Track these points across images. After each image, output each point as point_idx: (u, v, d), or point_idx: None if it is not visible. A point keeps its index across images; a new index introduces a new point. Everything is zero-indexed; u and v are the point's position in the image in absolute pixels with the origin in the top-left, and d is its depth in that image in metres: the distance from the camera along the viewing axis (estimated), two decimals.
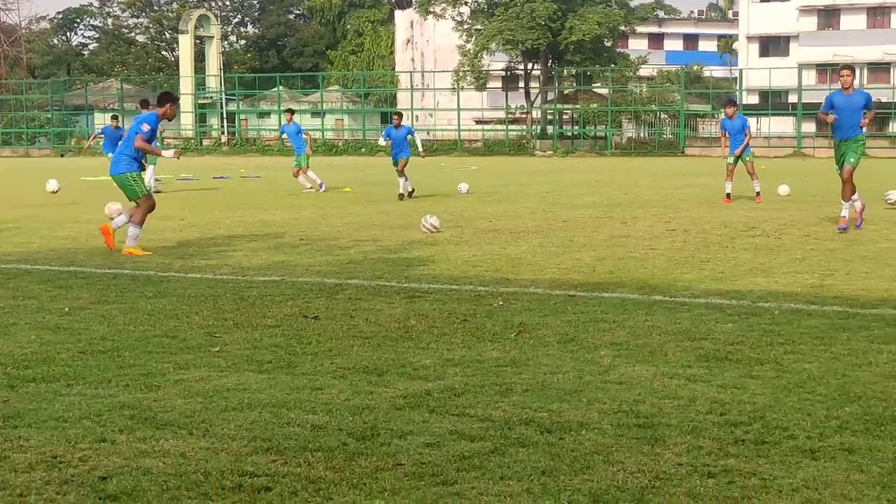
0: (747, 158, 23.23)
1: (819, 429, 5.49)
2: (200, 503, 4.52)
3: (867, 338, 7.87)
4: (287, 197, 25.18)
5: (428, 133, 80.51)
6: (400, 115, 25.59)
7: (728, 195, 22.93)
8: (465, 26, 77.00)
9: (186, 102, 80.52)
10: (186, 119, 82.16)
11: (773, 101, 74.08)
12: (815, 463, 4.95)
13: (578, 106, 76.53)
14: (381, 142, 25.76)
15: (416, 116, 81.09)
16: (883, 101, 73.80)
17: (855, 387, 6.38)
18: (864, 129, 16.22)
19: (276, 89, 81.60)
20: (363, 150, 72.43)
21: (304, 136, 28.06)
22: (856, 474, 4.79)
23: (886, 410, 5.83)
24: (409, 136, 24.90)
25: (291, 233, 16.30)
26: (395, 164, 24.66)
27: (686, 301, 9.60)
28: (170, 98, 14.43)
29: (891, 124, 73.05)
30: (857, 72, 16.93)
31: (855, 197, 16.19)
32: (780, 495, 4.52)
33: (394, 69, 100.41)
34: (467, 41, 76.71)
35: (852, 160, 16.06)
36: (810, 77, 78.97)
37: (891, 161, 57.10)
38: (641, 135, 75.99)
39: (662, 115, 76.04)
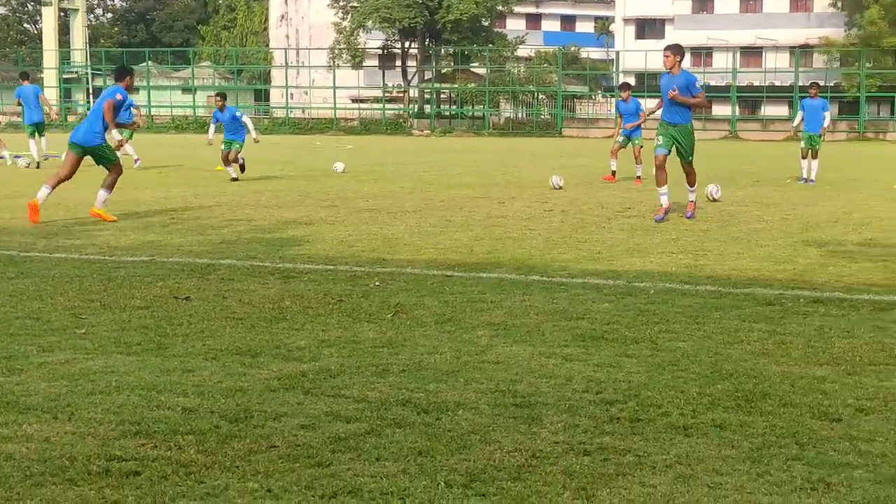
0: (636, 142, 23.69)
1: (692, 406, 5.60)
2: (65, 489, 4.41)
3: (738, 316, 8.07)
4: (157, 175, 24.70)
5: (303, 111, 79.90)
6: (223, 96, 24.33)
7: (613, 173, 23.73)
8: (341, 3, 76.44)
9: (50, 77, 78.31)
10: (50, 94, 79.97)
11: (648, 83, 75.24)
12: (687, 439, 5.05)
13: (456, 85, 76.69)
14: (210, 132, 24.50)
15: (291, 94, 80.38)
16: (755, 84, 75.61)
17: (727, 364, 6.53)
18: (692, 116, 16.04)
19: (144, 65, 80.00)
20: None
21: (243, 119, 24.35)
22: (727, 450, 4.90)
23: (757, 387, 5.98)
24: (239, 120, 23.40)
25: (162, 212, 15.97)
26: (228, 150, 23.23)
27: (563, 281, 9.71)
28: (129, 70, 15.42)
29: (762, 108, 74.81)
30: (684, 54, 16.70)
31: (692, 188, 15.63)
32: (654, 471, 4.61)
33: (268, 45, 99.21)
34: (343, 18, 76.24)
35: (685, 153, 15.40)
36: (685, 60, 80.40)
37: (763, 144, 58.47)
38: (519, 115, 76.52)
39: (540, 96, 76.67)
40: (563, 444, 4.96)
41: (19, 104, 27.91)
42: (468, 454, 4.82)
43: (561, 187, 20.76)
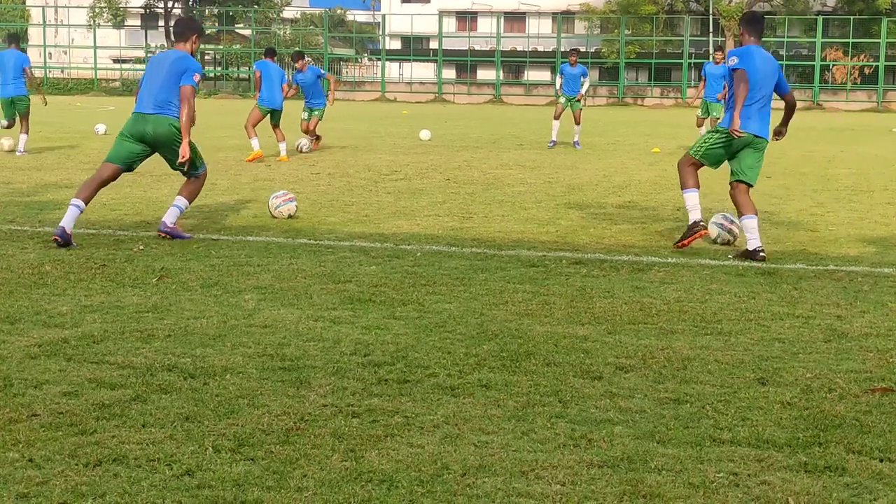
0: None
1: (459, 366, 5.69)
2: None
3: (503, 278, 8.24)
4: None
5: (62, 71, 77.04)
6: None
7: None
8: None
9: None
10: None
11: (415, 47, 75.82)
12: (455, 399, 5.12)
13: (221, 47, 75.42)
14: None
15: (50, 54, 77.31)
16: (518, 49, 77.15)
17: (492, 325, 6.66)
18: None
19: None
20: None
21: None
22: (493, 409, 4.99)
23: (521, 347, 6.11)
24: None
25: None
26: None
27: (330, 244, 9.72)
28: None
29: (526, 73, 76.45)
30: None
31: None
32: (422, 432, 4.66)
33: (24, 3, 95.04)
34: None
35: None
36: (450, 24, 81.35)
37: (526, 108, 59.71)
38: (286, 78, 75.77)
39: (306, 58, 76.13)
40: (331, 406, 4.98)
41: None
42: (236, 419, 4.78)
43: (306, 150, 21.03)
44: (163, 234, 9.87)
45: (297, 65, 21.89)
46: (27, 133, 19.93)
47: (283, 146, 19.54)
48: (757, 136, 9.56)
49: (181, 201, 10.14)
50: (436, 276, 8.23)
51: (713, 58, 23.94)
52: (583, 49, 73.80)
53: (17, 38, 22.27)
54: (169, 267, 8.43)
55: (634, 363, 5.84)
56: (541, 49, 77.35)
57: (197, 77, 9.98)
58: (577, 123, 24.20)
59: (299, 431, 4.63)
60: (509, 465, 4.28)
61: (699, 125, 23.17)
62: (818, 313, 7.22)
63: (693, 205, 9.75)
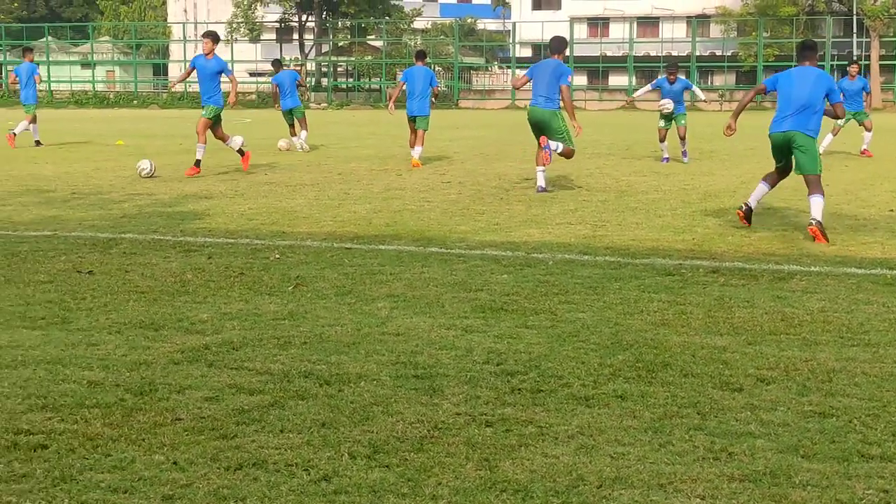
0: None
1: (593, 376, 5.63)
2: None
3: (638, 287, 8.13)
4: (58, 151, 24.21)
5: None
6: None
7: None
8: None
9: None
10: None
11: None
12: (589, 410, 5.07)
13: (353, 58, 76.35)
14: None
15: None
16: (651, 54, 76.27)
17: (627, 335, 6.57)
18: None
19: (44, 40, 78.27)
20: (135, 102, 70.32)
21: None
22: (629, 420, 4.93)
23: (657, 357, 6.02)
24: None
25: (63, 187, 15.75)
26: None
27: (462, 253, 9.73)
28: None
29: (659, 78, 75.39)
30: None
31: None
32: (556, 442, 4.62)
33: (165, 20, 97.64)
34: None
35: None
36: (581, 31, 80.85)
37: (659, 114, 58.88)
38: None
39: (437, 68, 76.59)
40: (464, 415, 4.97)
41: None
42: (371, 425, 4.81)
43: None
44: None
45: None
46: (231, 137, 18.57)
47: (418, 150, 20.19)
48: None
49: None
50: (569, 285, 8.17)
51: (848, 73, 23.19)
52: (718, 53, 72.95)
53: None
54: (304, 275, 8.55)
55: (776, 375, 5.70)
56: (675, 54, 76.32)
57: (570, 77, 15.18)
58: (682, 138, 21.14)
59: (433, 439, 4.64)
60: (646, 478, 4.22)
61: (834, 132, 22.51)
62: None
63: None
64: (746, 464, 4.38)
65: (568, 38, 70.79)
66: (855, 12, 68.54)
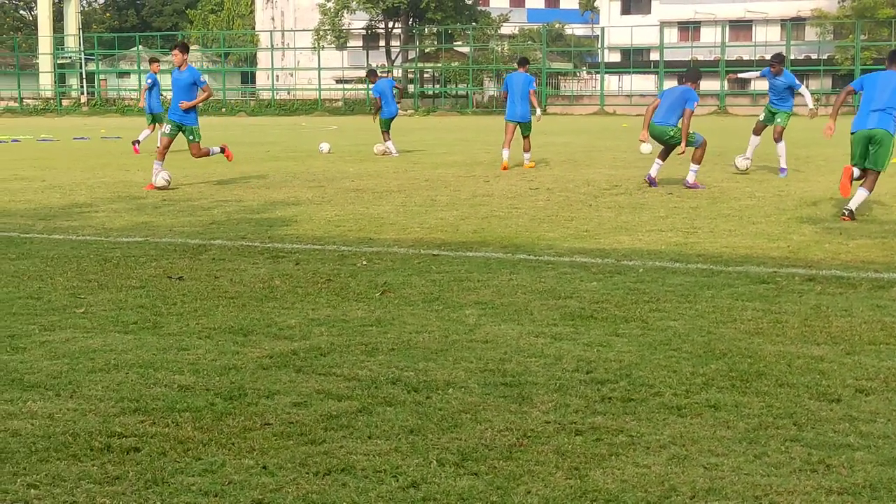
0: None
1: (685, 386, 5.55)
2: (69, 464, 4.43)
3: (731, 295, 8.00)
4: (149, 157, 24.54)
5: (289, 93, 79.72)
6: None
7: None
8: None
9: (45, 63, 79.41)
10: (45, 80, 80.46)
11: (634, 59, 75.04)
12: (681, 419, 5.00)
13: (440, 64, 76.54)
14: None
15: (277, 76, 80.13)
16: (744, 58, 75.25)
17: (720, 344, 6.47)
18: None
19: (135, 49, 79.71)
20: (223, 110, 71.30)
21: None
22: (722, 430, 4.85)
23: (752, 367, 5.92)
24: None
25: (153, 193, 16.05)
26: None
27: (550, 260, 9.67)
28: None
29: (752, 82, 74.59)
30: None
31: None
32: (648, 451, 4.56)
33: (254, 28, 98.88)
34: (327, 0, 75.99)
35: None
36: (672, 35, 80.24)
37: (753, 119, 58.17)
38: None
39: None
40: (554, 423, 4.93)
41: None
42: (459, 433, 4.79)
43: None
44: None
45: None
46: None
47: (527, 156, 21.09)
48: None
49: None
50: (659, 293, 8.07)
51: None
52: (814, 56, 71.72)
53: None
54: (391, 282, 8.55)
55: (876, 385, 5.57)
56: (768, 58, 75.37)
57: (695, 104, 16.60)
58: (778, 141, 19.20)
59: (522, 447, 4.60)
60: (741, 489, 4.14)
61: None
62: None
63: None
64: (845, 476, 4.28)
65: (658, 41, 70.61)
66: None
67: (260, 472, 4.32)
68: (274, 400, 5.29)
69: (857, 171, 12.54)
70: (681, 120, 16.47)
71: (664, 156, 17.16)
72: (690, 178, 16.55)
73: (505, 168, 20.35)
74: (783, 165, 19.28)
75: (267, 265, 9.41)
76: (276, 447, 4.60)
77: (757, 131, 19.96)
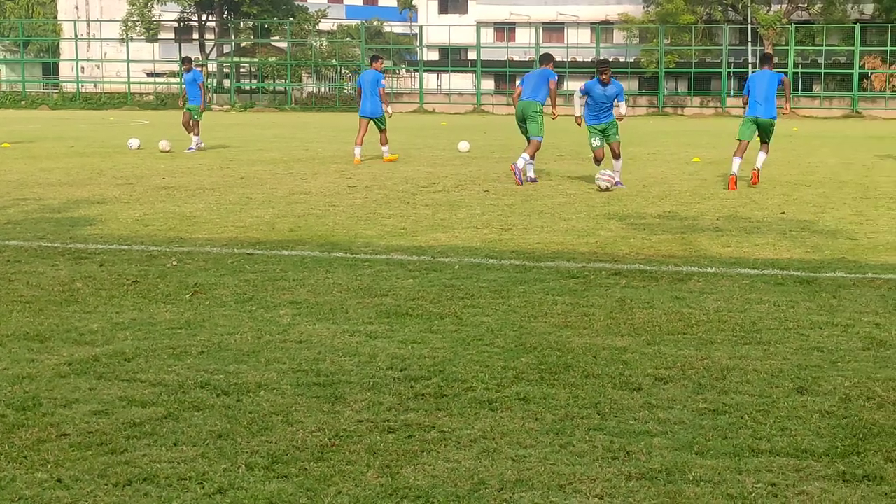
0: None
1: (496, 380, 5.62)
2: None
3: (542, 290, 8.15)
4: None
5: (95, 86, 77.53)
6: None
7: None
8: None
9: None
10: None
11: (452, 58, 75.70)
12: (492, 413, 5.07)
13: (256, 59, 75.78)
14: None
15: (82, 68, 77.82)
16: (557, 59, 76.74)
17: (531, 338, 6.58)
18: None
19: None
20: (23, 102, 68.73)
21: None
22: (531, 422, 4.93)
23: (560, 359, 6.04)
24: None
25: None
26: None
27: (367, 257, 9.65)
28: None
29: (566, 83, 75.97)
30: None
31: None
32: (459, 446, 4.60)
33: (55, 17, 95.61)
34: None
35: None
36: (488, 35, 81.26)
37: (565, 118, 59.26)
38: (322, 90, 76.06)
39: (343, 71, 76.39)
40: (367, 422, 4.91)
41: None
42: (270, 435, 4.72)
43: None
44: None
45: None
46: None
47: (384, 149, 22.02)
48: None
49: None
50: (474, 289, 8.15)
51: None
52: (622, 59, 73.73)
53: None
54: (203, 282, 8.38)
55: (673, 374, 5.77)
56: (580, 59, 77.01)
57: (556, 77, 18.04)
58: (616, 158, 17.21)
59: (334, 448, 4.57)
60: (547, 479, 4.22)
61: None
62: (857, 322, 7.13)
63: None
64: (643, 462, 4.42)
65: (475, 41, 71.41)
66: (749, 21, 70.10)
67: (54, 486, 4.14)
68: (72, 409, 5.07)
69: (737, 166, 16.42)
70: (548, 98, 17.76)
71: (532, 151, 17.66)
72: (520, 163, 17.08)
73: (357, 163, 20.74)
74: (618, 179, 16.74)
75: (68, 267, 9.06)
76: (72, 458, 4.41)
77: (599, 159, 17.46)
